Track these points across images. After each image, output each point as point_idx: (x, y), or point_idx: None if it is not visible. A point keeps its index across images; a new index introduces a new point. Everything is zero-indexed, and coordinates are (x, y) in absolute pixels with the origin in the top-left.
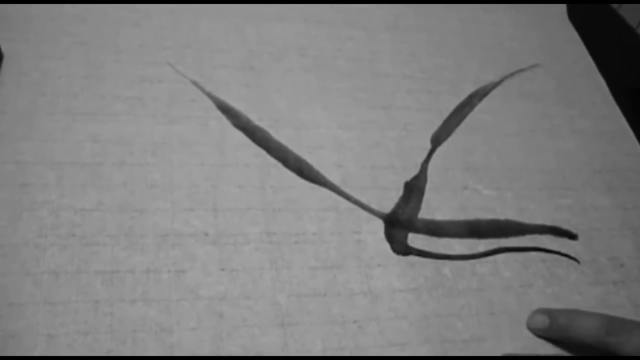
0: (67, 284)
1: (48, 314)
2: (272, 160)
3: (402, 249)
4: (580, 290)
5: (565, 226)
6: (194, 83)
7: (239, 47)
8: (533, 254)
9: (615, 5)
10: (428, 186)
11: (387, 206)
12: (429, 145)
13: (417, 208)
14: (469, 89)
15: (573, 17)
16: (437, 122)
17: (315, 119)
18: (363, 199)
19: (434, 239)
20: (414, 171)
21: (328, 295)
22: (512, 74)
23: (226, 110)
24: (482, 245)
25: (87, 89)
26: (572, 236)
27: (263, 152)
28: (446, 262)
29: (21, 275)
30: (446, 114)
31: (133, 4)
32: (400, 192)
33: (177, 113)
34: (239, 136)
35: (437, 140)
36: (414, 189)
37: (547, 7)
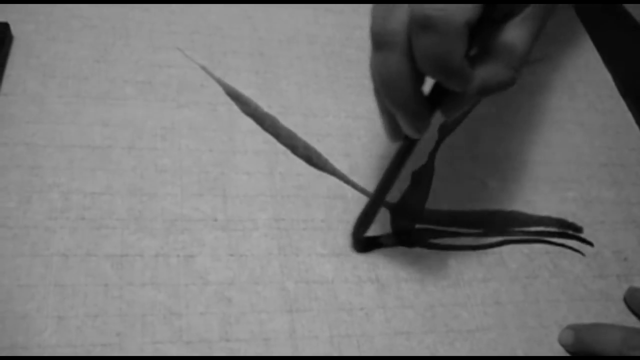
0: (76, 266)
1: (58, 296)
2: (281, 148)
3: (408, 238)
4: (584, 283)
5: (570, 219)
6: (204, 68)
7: (248, 33)
8: (538, 245)
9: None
10: (435, 176)
11: (394, 196)
12: (436, 136)
13: (424, 198)
14: None
15: (580, 11)
16: None
17: (324, 107)
18: (370, 188)
19: (440, 230)
20: (421, 161)
21: (335, 282)
22: None
23: (235, 96)
24: (488, 236)
25: (97, 73)
26: (577, 229)
27: (272, 139)
28: (452, 252)
29: (31, 257)
30: None
31: None
32: (407, 182)
33: (186, 98)
34: (248, 123)
35: (445, 130)
36: (421, 179)
37: None
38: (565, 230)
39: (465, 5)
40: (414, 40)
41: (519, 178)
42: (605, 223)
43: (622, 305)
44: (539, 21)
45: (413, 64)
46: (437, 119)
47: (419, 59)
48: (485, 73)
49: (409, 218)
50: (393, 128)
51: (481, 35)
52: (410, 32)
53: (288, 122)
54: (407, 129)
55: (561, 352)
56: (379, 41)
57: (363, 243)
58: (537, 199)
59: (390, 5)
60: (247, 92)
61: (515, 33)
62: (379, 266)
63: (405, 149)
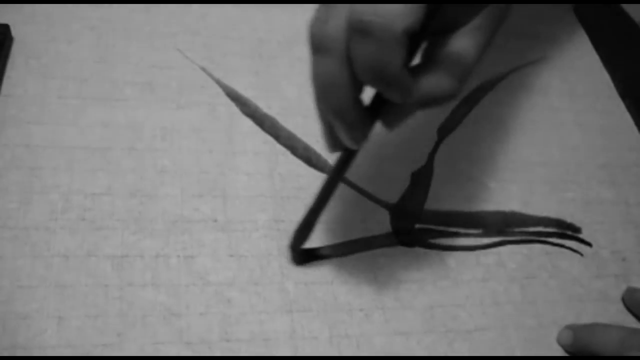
0: (77, 267)
1: (58, 296)
2: (281, 149)
3: (407, 239)
4: (583, 283)
5: (569, 219)
6: (203, 70)
7: (248, 34)
8: (537, 246)
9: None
10: (434, 177)
11: (393, 196)
12: (435, 137)
13: (423, 199)
14: (475, 82)
15: (579, 12)
16: (444, 114)
17: None
18: (369, 189)
19: (439, 230)
20: (421, 162)
21: (335, 283)
22: (518, 68)
23: (235, 97)
24: (487, 236)
25: (97, 74)
26: (575, 229)
27: (272, 140)
28: (451, 252)
29: (32, 258)
30: (453, 106)
31: None
32: (407, 183)
33: (186, 99)
34: (248, 124)
35: (444, 131)
36: (420, 179)
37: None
38: (564, 231)
39: (405, 11)
40: (351, 46)
41: (518, 179)
42: (604, 223)
43: (621, 305)
44: (488, 33)
45: (351, 70)
46: (437, 118)
47: (357, 67)
48: (427, 84)
49: (409, 218)
50: (332, 137)
51: (425, 44)
52: (347, 38)
53: (288, 123)
54: (344, 139)
55: (560, 352)
56: (317, 45)
57: (301, 256)
58: (535, 199)
59: (331, 7)
60: (247, 93)
61: (461, 43)
62: (378, 267)
63: (344, 159)
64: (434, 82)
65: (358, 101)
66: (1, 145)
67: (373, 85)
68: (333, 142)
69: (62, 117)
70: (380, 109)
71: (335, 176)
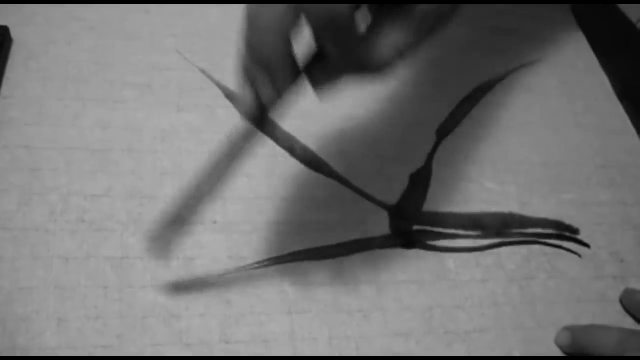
0: (76, 269)
1: (58, 298)
2: (280, 150)
3: (406, 240)
4: (581, 284)
5: (567, 221)
6: (203, 71)
7: None
8: (535, 247)
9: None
10: (433, 178)
11: (392, 198)
12: (434, 138)
13: (422, 200)
14: (474, 83)
15: (577, 13)
16: (443, 115)
17: (322, 109)
18: (368, 190)
19: (438, 231)
20: (419, 163)
21: (334, 284)
22: (516, 69)
23: (234, 99)
24: (486, 237)
25: (96, 75)
26: (574, 231)
27: (270, 142)
28: (450, 254)
29: (31, 259)
30: (452, 107)
31: None
32: (406, 184)
33: (185, 101)
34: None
35: (443, 132)
36: (419, 180)
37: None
38: (563, 232)
39: None
40: None
41: (516, 180)
42: (602, 225)
43: (619, 307)
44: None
45: (295, 12)
46: (436, 120)
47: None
48: (373, 41)
49: (408, 220)
50: (247, 95)
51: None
52: None
53: (286, 124)
54: (262, 91)
55: (558, 353)
56: None
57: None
58: (534, 201)
59: None
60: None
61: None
62: (378, 268)
63: (247, 134)
64: (381, 41)
65: (290, 52)
66: (1, 147)
67: (320, 25)
68: (246, 102)
69: (61, 119)
70: (310, 69)
71: (233, 153)
